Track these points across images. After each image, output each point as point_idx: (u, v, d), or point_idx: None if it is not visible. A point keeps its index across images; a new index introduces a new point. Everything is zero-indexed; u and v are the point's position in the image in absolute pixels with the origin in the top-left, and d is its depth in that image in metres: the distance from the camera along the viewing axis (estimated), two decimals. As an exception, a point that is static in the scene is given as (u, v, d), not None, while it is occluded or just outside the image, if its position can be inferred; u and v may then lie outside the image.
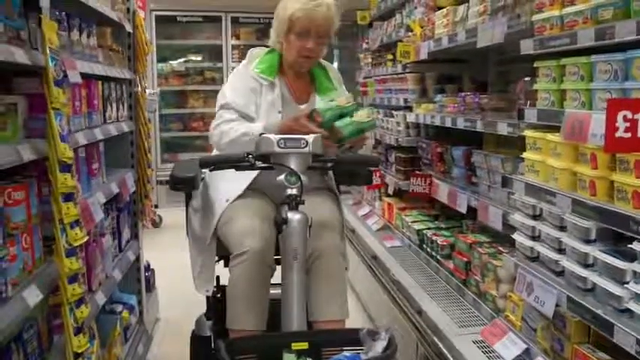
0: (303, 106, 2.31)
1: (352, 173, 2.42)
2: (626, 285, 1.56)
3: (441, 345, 2.38)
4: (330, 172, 2.43)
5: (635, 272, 1.54)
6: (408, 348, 2.72)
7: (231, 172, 2.12)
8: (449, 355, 2.29)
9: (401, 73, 4.04)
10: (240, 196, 2.22)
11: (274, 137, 1.98)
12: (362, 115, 2.17)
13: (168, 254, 3.87)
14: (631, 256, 1.57)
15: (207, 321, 2.34)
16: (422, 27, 3.41)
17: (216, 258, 2.31)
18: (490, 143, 2.86)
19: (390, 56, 4.38)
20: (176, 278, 3.00)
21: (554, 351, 1.94)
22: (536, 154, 2.02)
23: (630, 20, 1.54)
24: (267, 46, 2.43)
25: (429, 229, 3.42)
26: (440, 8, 3.15)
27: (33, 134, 1.81)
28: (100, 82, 2.57)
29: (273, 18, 2.36)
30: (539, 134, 2.00)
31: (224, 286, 2.19)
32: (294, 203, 1.90)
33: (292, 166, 1.96)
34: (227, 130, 2.22)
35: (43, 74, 1.68)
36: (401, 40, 3.83)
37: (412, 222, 3.62)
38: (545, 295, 1.88)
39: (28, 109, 1.83)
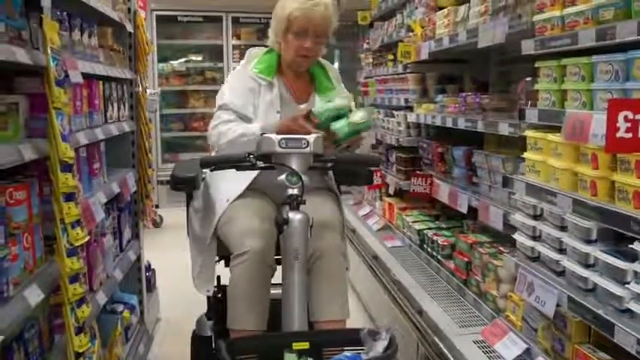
0: (302, 106, 2.31)
1: (353, 173, 2.42)
2: (626, 285, 1.56)
3: (441, 345, 2.38)
4: (331, 172, 2.43)
5: (635, 272, 1.54)
6: (408, 348, 2.72)
7: (231, 172, 2.12)
8: (449, 355, 2.29)
9: (402, 74, 4.04)
10: (240, 196, 2.23)
11: (275, 137, 1.98)
12: (357, 116, 2.17)
13: (169, 254, 3.87)
14: (632, 257, 1.57)
15: (207, 321, 2.34)
16: (423, 27, 3.41)
17: (217, 258, 2.32)
18: (491, 143, 2.86)
19: (390, 56, 4.38)
20: (177, 278, 3.00)
21: (554, 351, 1.94)
22: (537, 155, 2.03)
23: (631, 21, 1.54)
24: (266, 46, 2.43)
25: (429, 229, 3.42)
26: (441, 8, 3.15)
27: (34, 134, 1.82)
28: (101, 82, 2.57)
29: (272, 18, 2.37)
30: (540, 134, 2.00)
31: (225, 286, 2.19)
32: (295, 203, 1.90)
33: (293, 166, 1.96)
34: (225, 130, 2.23)
35: (45, 74, 1.68)
36: (402, 41, 3.83)
37: (413, 222, 3.62)
38: (546, 295, 1.88)
39: (30, 109, 1.84)
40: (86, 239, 1.82)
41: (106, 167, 2.66)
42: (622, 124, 1.41)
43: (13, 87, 1.88)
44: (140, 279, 3.30)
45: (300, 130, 2.09)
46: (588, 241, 1.73)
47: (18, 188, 1.67)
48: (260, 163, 2.04)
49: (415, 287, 2.95)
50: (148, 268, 3.59)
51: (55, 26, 1.75)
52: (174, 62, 7.61)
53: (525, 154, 2.10)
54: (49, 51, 1.67)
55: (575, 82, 1.81)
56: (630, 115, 1.40)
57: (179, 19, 7.31)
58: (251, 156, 2.02)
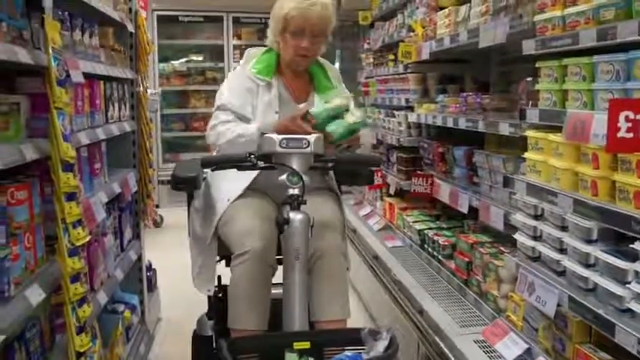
0: (301, 106, 2.31)
1: (354, 173, 2.42)
2: (627, 285, 1.56)
3: (442, 345, 2.38)
4: (331, 172, 2.43)
5: (636, 272, 1.54)
6: (409, 348, 2.72)
7: (232, 172, 2.12)
8: (450, 355, 2.29)
9: (402, 74, 4.04)
10: (241, 196, 2.23)
11: (276, 137, 1.99)
12: (352, 116, 2.15)
13: (170, 254, 3.87)
14: (632, 256, 1.57)
15: (208, 321, 2.34)
16: (424, 27, 3.41)
17: (218, 258, 2.32)
18: (492, 143, 2.86)
19: (391, 56, 4.38)
20: (178, 278, 3.00)
21: (555, 351, 1.94)
22: (537, 155, 2.03)
23: (632, 21, 1.54)
24: (265, 46, 2.43)
25: (430, 229, 3.43)
26: (442, 8, 3.15)
27: (35, 134, 1.82)
28: (102, 82, 2.58)
29: (272, 18, 2.36)
30: (541, 134, 2.00)
31: (225, 286, 2.19)
32: (296, 203, 1.90)
33: (294, 166, 1.97)
34: (223, 131, 2.23)
35: (46, 74, 1.68)
36: (402, 41, 3.83)
37: (413, 222, 3.62)
38: (547, 295, 1.89)
39: (31, 109, 1.84)
40: (87, 239, 1.82)
41: (107, 167, 2.67)
42: (623, 124, 1.41)
43: (15, 87, 1.89)
44: (141, 279, 3.30)
45: (298, 130, 2.09)
46: (589, 241, 1.73)
47: (19, 188, 1.67)
48: (261, 163, 2.04)
49: (416, 287, 2.95)
50: (149, 267, 3.60)
51: (56, 26, 1.76)
52: (175, 62, 7.62)
53: (526, 154, 2.10)
54: (51, 51, 1.67)
55: (576, 82, 1.81)
56: (631, 115, 1.40)
57: (180, 19, 7.31)
58: (252, 156, 2.02)
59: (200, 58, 7.77)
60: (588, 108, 1.74)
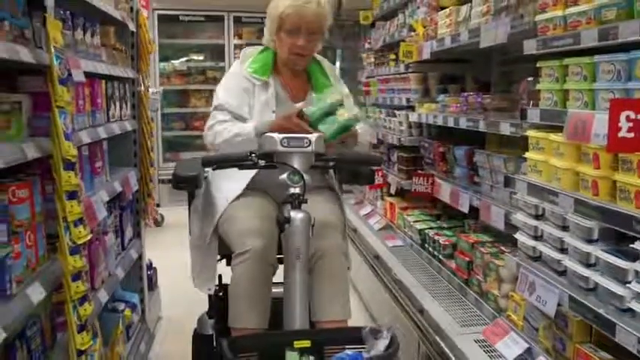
0: (299, 104, 2.30)
1: (354, 173, 2.42)
2: (628, 285, 1.56)
3: (442, 344, 2.38)
4: (332, 172, 2.43)
5: (637, 272, 1.55)
6: (409, 347, 2.73)
7: (233, 171, 2.12)
8: (451, 355, 2.29)
9: (403, 73, 4.04)
10: (241, 195, 2.23)
11: (277, 136, 1.99)
12: (345, 113, 2.14)
13: (171, 253, 3.88)
14: (633, 256, 1.57)
15: (209, 319, 2.34)
16: (424, 27, 3.42)
17: (218, 257, 2.32)
18: (492, 143, 2.86)
19: (392, 56, 4.38)
20: (178, 277, 3.00)
21: (556, 350, 1.94)
22: (538, 154, 2.03)
23: (634, 21, 1.54)
24: (262, 45, 2.43)
25: (431, 228, 3.43)
26: (443, 8, 3.16)
27: (37, 133, 1.82)
28: (103, 81, 2.58)
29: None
30: (542, 134, 2.00)
31: (226, 285, 2.19)
32: (297, 202, 1.90)
33: (295, 165, 1.97)
34: (220, 130, 2.23)
35: (48, 73, 1.69)
36: (403, 40, 3.83)
37: (414, 221, 3.62)
38: (547, 294, 1.89)
39: (33, 108, 1.84)
40: (88, 237, 1.83)
41: (108, 166, 2.67)
42: (624, 124, 1.41)
43: (17, 86, 1.89)
44: (142, 277, 3.30)
45: (294, 128, 2.09)
46: (590, 241, 1.73)
47: (21, 186, 1.68)
48: (262, 162, 2.04)
49: (416, 286, 2.95)
50: (150, 266, 3.60)
51: (58, 25, 1.76)
52: (176, 61, 7.62)
53: (527, 154, 2.10)
54: (53, 50, 1.67)
55: (577, 82, 1.81)
56: (632, 115, 1.40)
57: (181, 18, 7.31)
58: (253, 155, 2.02)
59: (201, 58, 7.77)
60: (589, 108, 1.74)
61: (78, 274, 1.74)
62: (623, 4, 1.59)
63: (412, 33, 3.70)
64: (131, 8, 3.16)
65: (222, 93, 2.32)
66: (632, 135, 1.41)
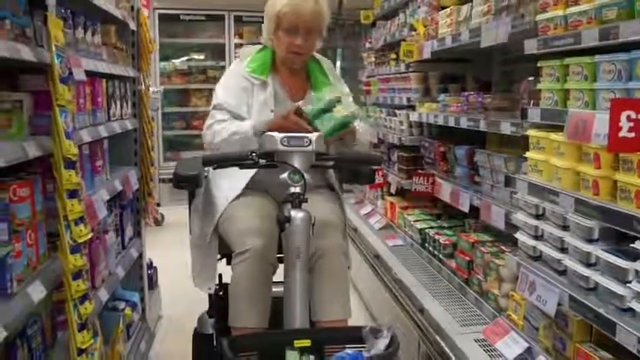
0: (299, 103, 2.29)
1: (355, 172, 2.41)
2: (628, 284, 1.56)
3: (443, 343, 2.38)
4: (332, 171, 2.43)
5: (637, 271, 1.55)
6: (410, 346, 2.73)
7: (233, 171, 2.12)
8: (451, 354, 2.29)
9: (404, 73, 4.04)
10: (242, 194, 2.23)
11: (278, 135, 1.99)
12: (341, 110, 2.13)
13: (171, 252, 3.88)
14: (634, 256, 1.57)
15: (209, 319, 2.34)
16: (425, 26, 3.42)
17: (219, 256, 2.32)
18: (493, 143, 2.87)
19: (393, 55, 4.38)
20: (179, 276, 3.00)
21: (556, 350, 1.94)
22: (539, 154, 2.03)
23: (634, 20, 1.54)
24: (260, 44, 2.43)
25: (431, 228, 3.43)
26: (443, 8, 3.16)
27: (38, 131, 1.83)
28: (104, 80, 2.58)
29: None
30: (543, 134, 2.00)
31: (226, 284, 2.19)
32: (298, 201, 1.90)
33: (296, 164, 1.97)
34: (219, 129, 2.23)
35: (49, 71, 1.69)
36: (404, 40, 3.83)
37: (414, 221, 3.63)
38: (548, 294, 1.89)
39: (34, 107, 1.85)
40: (89, 236, 1.83)
41: (109, 165, 2.67)
42: (624, 124, 1.41)
43: (18, 84, 1.89)
44: (142, 276, 3.31)
45: (292, 125, 2.09)
46: (590, 241, 1.73)
47: (22, 185, 1.68)
48: (262, 161, 2.04)
49: (417, 286, 2.95)
50: (150, 265, 3.60)
51: (59, 24, 1.76)
52: (176, 61, 7.62)
53: (527, 154, 2.10)
54: (54, 48, 1.68)
55: (577, 81, 1.81)
56: (633, 115, 1.40)
57: (181, 17, 7.31)
58: (253, 154, 2.02)
59: (201, 57, 7.77)
60: (590, 107, 1.74)
61: (78, 273, 1.74)
62: (624, 4, 1.59)
63: (413, 32, 3.70)
64: (132, 7, 3.16)
65: (221, 92, 2.32)
66: (632, 135, 1.41)
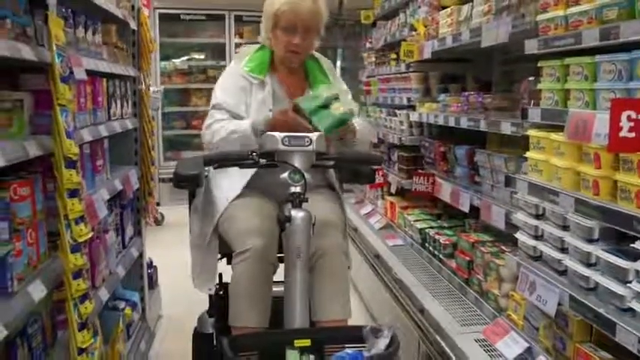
0: (296, 100, 2.28)
1: (355, 172, 2.41)
2: (628, 284, 1.57)
3: (443, 343, 2.38)
4: (332, 171, 2.43)
5: (637, 271, 1.55)
6: (410, 346, 2.73)
7: (233, 170, 2.12)
8: (451, 354, 2.29)
9: (404, 73, 4.04)
10: (242, 194, 2.22)
11: (278, 135, 1.99)
12: (339, 107, 2.12)
13: (171, 252, 3.88)
14: (634, 256, 1.57)
15: (209, 318, 2.34)
16: (426, 26, 3.42)
17: (219, 256, 2.32)
18: (493, 143, 2.87)
19: (393, 55, 4.38)
20: (179, 276, 3.00)
21: (556, 350, 1.94)
22: (539, 154, 2.03)
23: (635, 20, 1.54)
24: (258, 43, 2.43)
25: (431, 227, 3.43)
26: (444, 8, 3.16)
27: (39, 130, 1.83)
28: (104, 79, 2.58)
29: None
30: (543, 134, 2.00)
31: (226, 284, 2.19)
32: (298, 201, 1.91)
33: (296, 164, 1.97)
34: (218, 129, 2.23)
35: (50, 70, 1.69)
36: (405, 40, 3.83)
37: (415, 221, 3.63)
38: (548, 294, 1.89)
39: (34, 106, 1.85)
40: (89, 235, 1.83)
41: (109, 164, 2.67)
42: (625, 124, 1.41)
43: (18, 84, 1.89)
44: (142, 276, 3.31)
45: (290, 122, 2.09)
46: (590, 241, 1.73)
47: (22, 184, 1.68)
48: (263, 161, 2.04)
49: (417, 286, 2.95)
50: (150, 265, 3.60)
51: (60, 23, 1.76)
52: (177, 60, 7.62)
53: (528, 154, 2.10)
54: (54, 48, 1.68)
55: (578, 81, 1.81)
56: (633, 115, 1.41)
57: (182, 17, 7.31)
58: (254, 154, 2.02)
59: (202, 57, 7.77)
60: (590, 107, 1.74)
61: (79, 272, 1.74)
62: (625, 4, 1.59)
63: (413, 32, 3.70)
64: (132, 7, 3.16)
65: (220, 92, 2.32)
66: (633, 135, 1.41)
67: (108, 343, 2.42)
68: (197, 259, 2.30)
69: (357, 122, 2.30)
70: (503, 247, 2.62)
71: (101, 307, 2.31)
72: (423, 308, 2.68)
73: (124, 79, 2.98)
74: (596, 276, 1.70)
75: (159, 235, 5.35)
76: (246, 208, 2.17)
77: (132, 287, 3.19)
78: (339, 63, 7.37)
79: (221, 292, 2.35)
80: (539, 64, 2.04)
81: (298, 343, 1.70)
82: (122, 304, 2.87)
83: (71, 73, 1.81)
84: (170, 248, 4.11)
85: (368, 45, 5.40)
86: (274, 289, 2.10)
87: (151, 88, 3.93)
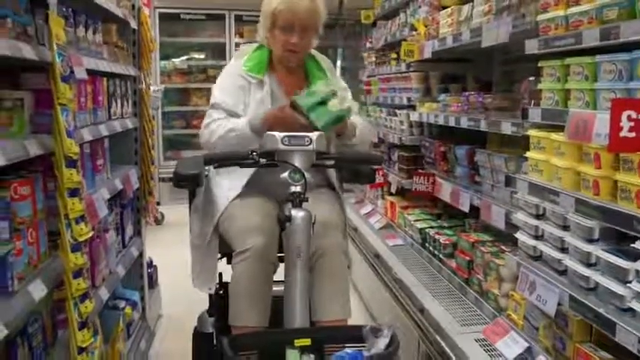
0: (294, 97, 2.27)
1: (355, 172, 2.41)
2: (628, 284, 1.57)
3: (443, 343, 2.38)
4: (333, 170, 2.43)
5: (637, 271, 1.55)
6: (410, 346, 2.73)
7: (233, 170, 2.12)
8: (451, 354, 2.29)
9: (405, 72, 4.04)
10: (242, 194, 2.22)
11: (279, 134, 1.99)
12: (336, 104, 2.11)
13: (171, 251, 3.88)
14: (634, 256, 1.57)
15: (209, 318, 2.34)
16: (426, 26, 3.42)
17: (219, 255, 2.32)
18: (494, 142, 2.87)
19: (394, 55, 4.38)
20: (179, 275, 3.01)
21: (556, 350, 1.94)
22: (539, 154, 2.03)
23: (635, 20, 1.54)
24: (257, 42, 2.42)
25: (431, 227, 3.43)
26: (444, 7, 3.16)
27: (39, 130, 1.83)
28: (105, 79, 2.58)
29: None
30: (543, 134, 2.00)
31: (226, 283, 2.19)
32: (298, 200, 1.91)
33: (296, 164, 1.97)
34: (215, 128, 2.23)
35: (50, 70, 1.69)
36: (405, 39, 3.83)
37: (415, 221, 3.63)
38: (548, 293, 1.89)
39: (35, 105, 1.85)
40: (90, 235, 1.83)
41: (110, 163, 2.67)
42: (625, 124, 1.41)
43: (19, 83, 1.89)
44: (142, 275, 3.31)
45: (287, 118, 2.09)
46: (590, 241, 1.73)
47: (22, 183, 1.68)
48: (263, 161, 2.04)
49: (417, 286, 2.96)
50: (150, 264, 3.60)
51: (60, 22, 1.76)
52: (177, 60, 7.63)
53: (528, 154, 2.10)
54: (55, 47, 1.68)
55: (578, 81, 1.81)
56: (633, 115, 1.41)
57: (182, 16, 7.31)
58: (254, 153, 2.02)
59: (202, 56, 7.78)
60: (590, 107, 1.74)
61: (79, 272, 1.75)
62: (625, 4, 1.59)
63: (413, 32, 3.71)
64: (133, 6, 3.17)
65: (218, 92, 2.32)
66: (633, 135, 1.41)
67: (108, 343, 2.42)
68: (197, 258, 2.30)
69: (358, 121, 2.30)
70: (503, 247, 2.62)
71: (101, 306, 2.32)
72: (423, 308, 2.68)
73: (124, 79, 2.98)
74: (596, 276, 1.70)
75: (159, 234, 5.35)
76: (246, 208, 2.17)
77: (132, 286, 3.19)
78: (339, 63, 7.37)
79: (221, 292, 2.35)
80: (539, 64, 2.04)
81: (298, 342, 1.70)
82: (122, 304, 2.88)
83: (72, 72, 1.81)
84: (170, 248, 4.11)
85: (368, 45, 5.40)
86: (274, 288, 2.10)
87: (151, 88, 3.93)
